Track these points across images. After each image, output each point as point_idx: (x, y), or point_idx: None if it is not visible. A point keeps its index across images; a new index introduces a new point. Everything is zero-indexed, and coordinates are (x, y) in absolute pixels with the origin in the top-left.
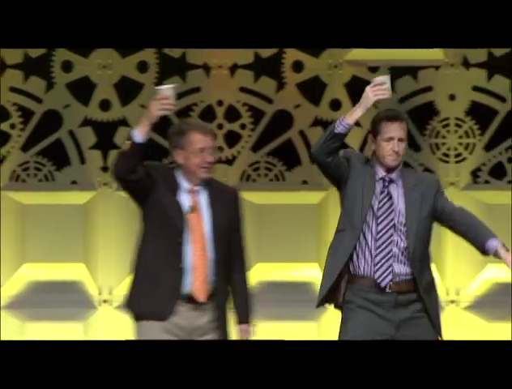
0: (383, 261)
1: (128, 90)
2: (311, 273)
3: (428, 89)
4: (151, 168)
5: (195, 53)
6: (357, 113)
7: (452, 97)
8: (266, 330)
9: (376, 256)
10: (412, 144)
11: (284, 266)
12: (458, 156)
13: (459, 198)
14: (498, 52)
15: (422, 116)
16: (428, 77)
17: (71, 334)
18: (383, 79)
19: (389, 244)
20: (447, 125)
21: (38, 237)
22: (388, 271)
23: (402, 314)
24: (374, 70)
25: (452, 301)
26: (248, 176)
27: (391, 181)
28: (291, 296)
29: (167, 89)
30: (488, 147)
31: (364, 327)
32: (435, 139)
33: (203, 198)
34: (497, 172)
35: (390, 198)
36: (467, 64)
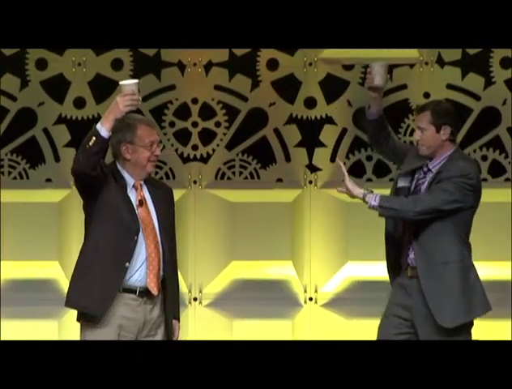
0: (404, 246)
1: (102, 88)
2: (285, 271)
3: (403, 87)
4: (102, 164)
5: (170, 51)
6: (370, 99)
7: (426, 95)
8: (240, 328)
9: (402, 240)
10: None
11: (259, 264)
12: None
13: None
14: (472, 50)
15: (397, 113)
16: (402, 75)
17: (46, 332)
18: (371, 66)
19: (409, 228)
20: None
21: (12, 235)
22: (407, 255)
23: (416, 302)
24: (349, 68)
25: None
26: (223, 174)
27: (429, 169)
28: (265, 294)
29: (132, 84)
30: (463, 146)
31: (392, 306)
32: (410, 137)
33: (146, 193)
34: None
35: (422, 184)
36: (441, 62)
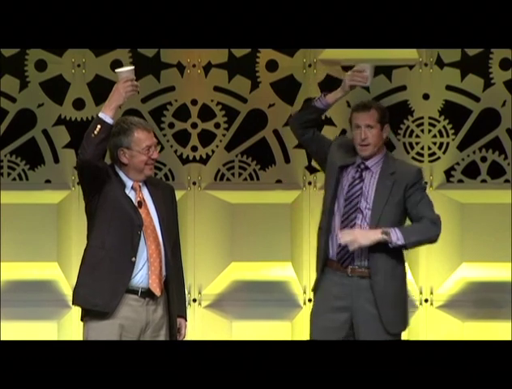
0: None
1: (102, 89)
2: (285, 272)
3: (402, 88)
4: (102, 161)
5: (169, 52)
6: (336, 94)
7: (426, 96)
8: (239, 329)
9: (334, 236)
10: (386, 143)
11: (258, 265)
12: (431, 155)
13: (433, 197)
14: (472, 51)
15: (396, 115)
16: (402, 76)
17: (45, 333)
18: (364, 67)
19: (352, 227)
20: (421, 124)
21: (12, 236)
22: (349, 254)
23: (358, 301)
24: (348, 69)
25: (426, 300)
26: (222, 175)
27: (366, 167)
28: (265, 295)
29: (130, 71)
30: (462, 147)
31: (322, 309)
32: (409, 139)
33: (146, 194)
34: (471, 171)
35: (361, 182)
36: (440, 63)
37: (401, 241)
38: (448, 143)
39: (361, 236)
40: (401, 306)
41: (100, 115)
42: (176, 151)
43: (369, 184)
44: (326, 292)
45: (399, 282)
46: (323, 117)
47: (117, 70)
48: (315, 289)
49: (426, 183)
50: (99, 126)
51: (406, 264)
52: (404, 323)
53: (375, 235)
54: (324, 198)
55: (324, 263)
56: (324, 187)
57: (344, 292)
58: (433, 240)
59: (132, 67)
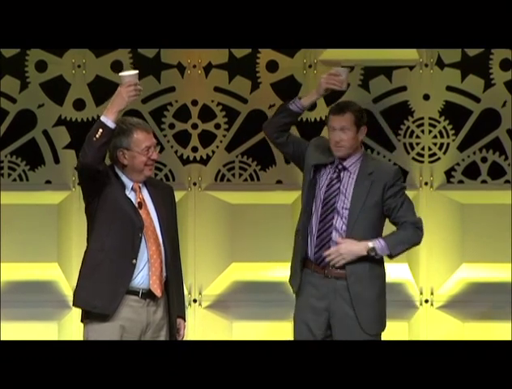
0: (322, 244)
1: (102, 90)
2: (285, 273)
3: (403, 89)
4: (103, 164)
5: (169, 52)
6: (311, 96)
7: (426, 97)
8: (240, 330)
9: (317, 238)
10: (386, 144)
11: (259, 266)
12: (432, 155)
13: (433, 198)
14: (472, 52)
15: (396, 116)
16: (402, 77)
17: (46, 334)
18: (339, 71)
19: (329, 227)
20: (421, 125)
21: (12, 237)
22: (322, 253)
23: (335, 302)
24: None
25: (426, 301)
26: (222, 176)
27: (344, 168)
28: (265, 296)
29: (134, 75)
30: (462, 147)
31: (303, 309)
32: (409, 139)
33: (146, 195)
34: (471, 172)
35: (338, 182)
36: (441, 64)
37: (387, 252)
38: (448, 144)
39: (347, 253)
40: (378, 307)
41: (102, 119)
42: (176, 152)
43: (347, 184)
44: (306, 293)
45: (377, 283)
46: (324, 118)
47: (120, 74)
48: (298, 290)
49: (405, 183)
50: (100, 130)
51: (384, 265)
52: (382, 324)
53: (361, 252)
54: (301, 200)
55: (303, 264)
56: (302, 189)
57: (322, 293)
58: (417, 244)
59: (136, 72)
